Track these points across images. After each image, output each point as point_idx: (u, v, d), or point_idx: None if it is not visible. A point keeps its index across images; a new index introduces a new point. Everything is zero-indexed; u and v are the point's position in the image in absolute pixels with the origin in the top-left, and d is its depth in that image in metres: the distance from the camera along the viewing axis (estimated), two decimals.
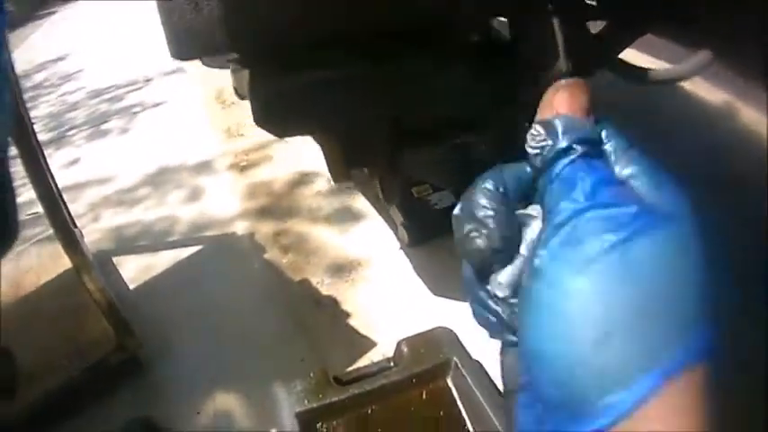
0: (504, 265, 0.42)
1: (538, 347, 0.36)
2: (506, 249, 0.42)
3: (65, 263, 1.98)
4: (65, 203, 2.46)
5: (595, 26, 1.20)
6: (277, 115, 0.96)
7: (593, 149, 0.38)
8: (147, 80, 5.01)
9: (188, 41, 0.85)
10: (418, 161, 2.38)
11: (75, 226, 2.58)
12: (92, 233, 2.97)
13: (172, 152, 3.64)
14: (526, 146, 0.40)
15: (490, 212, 0.41)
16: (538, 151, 0.39)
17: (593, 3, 1.20)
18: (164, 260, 2.66)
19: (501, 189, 0.42)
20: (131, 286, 2.53)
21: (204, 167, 3.41)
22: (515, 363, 0.40)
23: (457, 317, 1.89)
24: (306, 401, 1.31)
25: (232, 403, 1.87)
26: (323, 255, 2.42)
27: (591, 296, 0.34)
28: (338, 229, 2.56)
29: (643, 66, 1.23)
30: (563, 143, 0.38)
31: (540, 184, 0.40)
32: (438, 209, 2.28)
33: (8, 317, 1.95)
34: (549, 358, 0.35)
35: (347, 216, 2.60)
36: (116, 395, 2.00)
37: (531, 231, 0.42)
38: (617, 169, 0.38)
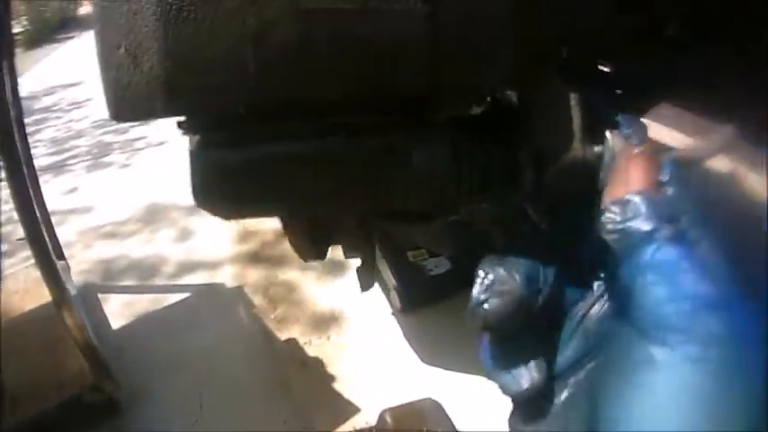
0: None
1: None
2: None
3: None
4: (54, 236, 2.43)
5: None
6: (221, 194, 0.81)
7: (677, 229, 0.34)
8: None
9: (126, 101, 0.73)
10: (409, 231, 2.34)
11: (63, 258, 2.55)
12: (80, 264, 2.94)
13: (168, 191, 3.62)
14: (602, 230, 0.36)
15: None
16: (618, 236, 0.35)
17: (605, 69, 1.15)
18: (150, 301, 2.61)
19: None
20: (115, 325, 2.48)
21: (198, 209, 3.38)
22: None
23: (445, 387, 1.85)
24: None
25: None
26: (312, 311, 2.38)
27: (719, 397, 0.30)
28: (329, 283, 2.53)
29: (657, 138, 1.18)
30: (648, 226, 0.34)
31: (624, 271, 0.36)
32: (433, 274, 2.25)
33: None
34: None
35: (338, 270, 2.56)
36: None
37: None
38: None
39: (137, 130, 4.85)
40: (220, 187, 0.77)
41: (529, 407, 0.40)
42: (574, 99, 0.70)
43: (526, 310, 0.38)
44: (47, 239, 1.86)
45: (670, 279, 0.33)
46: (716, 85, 1.09)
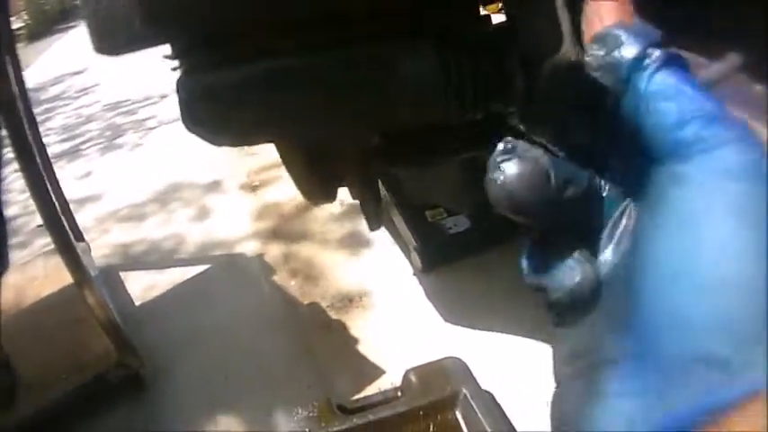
0: None
1: (674, 285, 0.28)
2: None
3: (69, 276, 1.95)
4: (73, 219, 2.44)
5: None
6: (208, 116, 0.78)
7: (666, 51, 0.32)
8: (163, 96, 5.00)
9: (107, 32, 0.71)
10: (422, 182, 2.32)
11: (83, 239, 2.55)
12: (100, 248, 2.94)
13: (183, 169, 3.62)
14: (588, 70, 0.33)
15: None
16: (606, 70, 0.32)
17: None
18: (171, 277, 2.62)
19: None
20: (137, 303, 2.50)
21: (215, 186, 3.38)
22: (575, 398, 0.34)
23: (468, 346, 1.85)
24: (307, 430, 1.25)
25: (234, 427, 1.82)
26: (333, 279, 2.37)
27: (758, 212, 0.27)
28: (349, 253, 2.51)
29: None
30: (637, 50, 0.32)
31: (623, 106, 0.32)
32: (453, 233, 2.23)
33: (10, 327, 1.91)
34: (691, 298, 0.28)
35: (358, 240, 2.55)
36: (116, 412, 1.96)
37: None
38: None
39: (147, 109, 4.85)
40: (208, 110, 0.74)
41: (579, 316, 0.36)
42: (561, 0, 0.66)
43: (552, 190, 0.33)
44: (64, 222, 1.87)
45: (674, 101, 0.30)
46: (711, 21, 1.06)
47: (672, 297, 0.29)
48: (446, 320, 2.01)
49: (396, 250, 2.39)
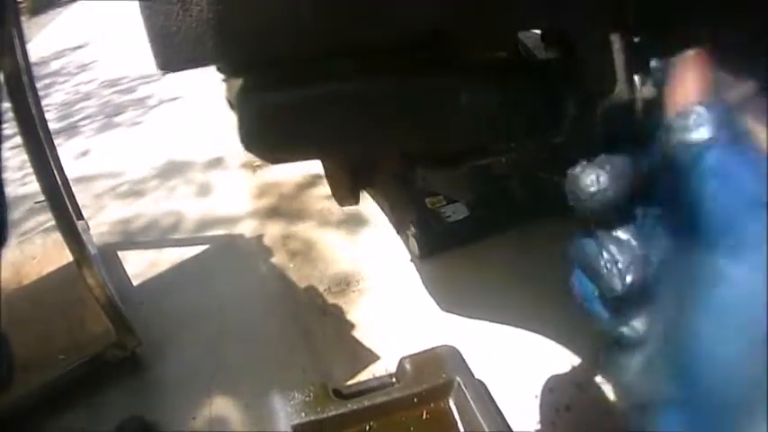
0: None
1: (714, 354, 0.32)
2: None
3: (69, 254, 1.95)
4: (72, 196, 2.44)
5: None
6: (271, 136, 0.80)
7: (736, 132, 0.34)
8: (165, 73, 4.96)
9: (175, 49, 0.72)
10: (432, 175, 2.33)
11: (82, 217, 2.56)
12: (98, 226, 2.94)
13: (184, 147, 3.61)
14: (666, 144, 0.36)
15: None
16: (683, 147, 0.34)
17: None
18: (170, 256, 2.63)
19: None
20: (135, 282, 2.50)
21: (216, 164, 3.38)
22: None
23: (463, 333, 1.86)
24: (303, 414, 1.26)
25: (229, 410, 1.83)
26: (331, 261, 2.38)
27: None
28: (348, 235, 2.52)
29: None
30: (710, 132, 0.34)
31: (688, 182, 0.34)
32: (451, 221, 2.24)
33: (8, 305, 1.92)
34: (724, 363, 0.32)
35: (357, 222, 2.56)
36: (112, 392, 1.97)
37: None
38: None
39: (146, 87, 4.83)
40: (271, 130, 0.75)
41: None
42: (618, 43, 0.69)
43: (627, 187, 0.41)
44: (65, 198, 1.86)
45: (735, 183, 0.32)
46: (727, 41, 1.07)
47: (713, 370, 0.32)
48: (441, 308, 2.02)
49: (393, 234, 2.40)
